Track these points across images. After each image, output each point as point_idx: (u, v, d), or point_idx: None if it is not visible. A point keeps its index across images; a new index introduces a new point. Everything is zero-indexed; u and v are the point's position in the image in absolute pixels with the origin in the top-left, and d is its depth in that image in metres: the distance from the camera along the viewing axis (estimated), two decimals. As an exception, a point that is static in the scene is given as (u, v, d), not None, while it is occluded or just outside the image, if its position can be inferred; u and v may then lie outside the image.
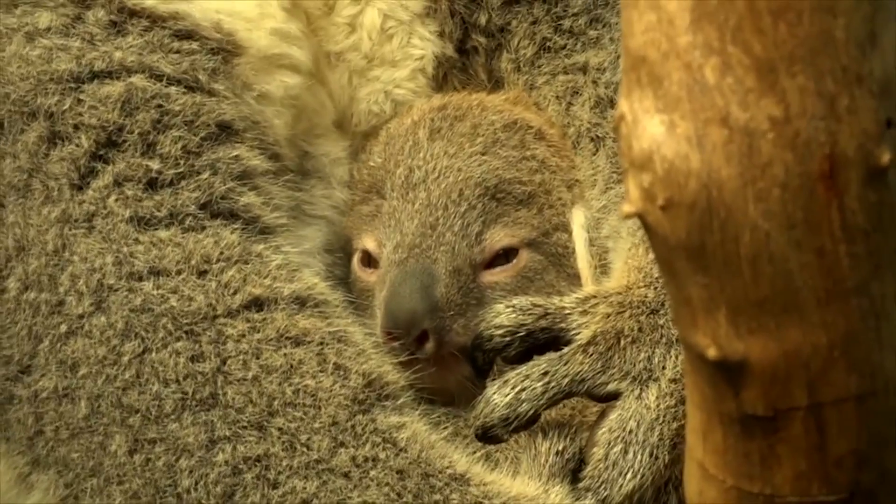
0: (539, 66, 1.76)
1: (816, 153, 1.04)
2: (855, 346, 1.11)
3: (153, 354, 1.46)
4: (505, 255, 1.63)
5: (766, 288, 1.08)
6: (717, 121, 1.05)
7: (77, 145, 1.53)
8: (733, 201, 1.06)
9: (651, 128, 1.07)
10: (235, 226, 1.54)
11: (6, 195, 1.54)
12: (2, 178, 1.55)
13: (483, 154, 1.64)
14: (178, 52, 1.59)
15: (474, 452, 1.53)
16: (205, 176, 1.55)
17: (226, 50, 1.62)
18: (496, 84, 1.81)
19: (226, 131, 1.58)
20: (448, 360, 1.60)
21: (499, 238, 1.62)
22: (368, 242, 1.63)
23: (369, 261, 1.64)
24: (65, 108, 1.54)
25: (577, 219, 1.62)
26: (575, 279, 1.64)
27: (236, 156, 1.58)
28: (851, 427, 1.13)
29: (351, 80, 1.73)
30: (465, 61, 1.78)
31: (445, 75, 1.79)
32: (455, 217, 1.61)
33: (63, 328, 1.49)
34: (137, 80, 1.56)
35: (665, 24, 1.06)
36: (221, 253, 1.51)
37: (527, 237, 1.63)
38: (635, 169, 1.07)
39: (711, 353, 1.11)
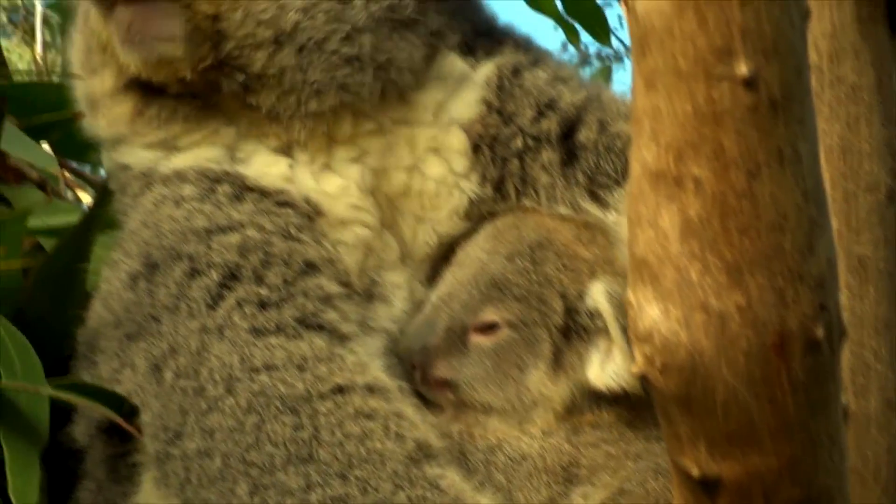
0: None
1: (770, 331, 1.30)
2: (797, 467, 1.35)
3: (267, 425, 1.77)
4: (490, 327, 1.96)
5: (733, 426, 1.33)
6: (699, 308, 1.30)
7: (209, 278, 1.86)
8: (711, 365, 1.31)
9: (651, 312, 1.32)
10: (322, 335, 1.85)
11: (162, 313, 1.85)
12: (159, 301, 1.86)
13: (506, 258, 1.97)
14: (277, 214, 1.91)
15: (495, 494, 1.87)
16: (299, 300, 1.86)
17: (310, 214, 1.93)
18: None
19: (311, 267, 1.89)
20: (435, 385, 1.96)
21: (488, 315, 1.95)
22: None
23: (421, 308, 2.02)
24: (200, 252, 1.87)
25: (597, 288, 1.92)
26: (539, 361, 2.00)
27: (319, 285, 1.88)
28: (794, 523, 1.40)
29: (415, 225, 2.02)
30: (499, 194, 2.04)
31: (477, 209, 2.05)
32: (465, 293, 1.96)
33: (204, 406, 1.79)
34: (249, 231, 1.88)
35: (661, 238, 1.31)
36: (314, 354, 1.82)
37: (508, 319, 1.95)
38: (640, 342, 1.34)
39: (695, 472, 1.37)
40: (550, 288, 1.95)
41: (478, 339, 1.96)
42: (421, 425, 1.85)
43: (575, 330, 1.95)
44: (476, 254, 2.00)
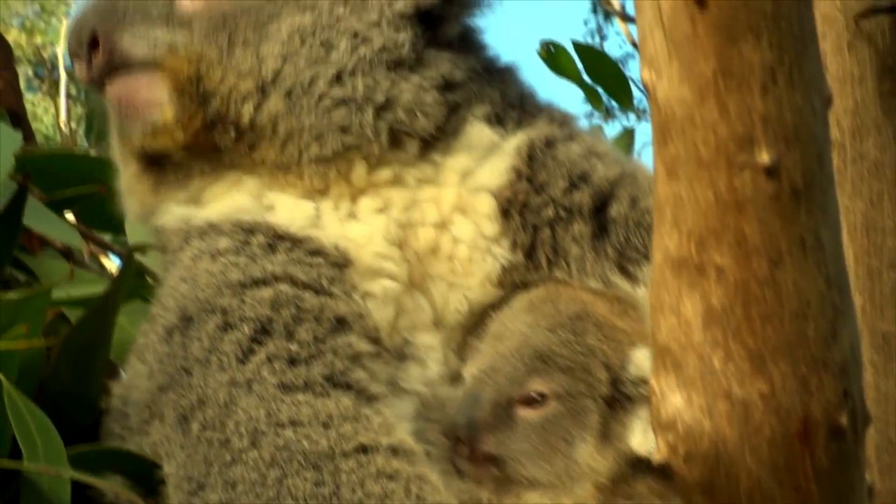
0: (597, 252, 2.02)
1: (794, 418, 1.31)
2: (823, 556, 1.36)
3: (289, 480, 1.78)
4: (537, 399, 1.92)
5: (758, 514, 1.34)
6: (722, 396, 1.32)
7: (241, 332, 1.86)
8: (734, 453, 1.32)
9: (674, 400, 1.34)
10: (350, 394, 1.85)
11: (193, 366, 1.86)
12: (192, 354, 1.87)
13: (548, 329, 1.95)
14: (310, 264, 1.92)
15: None
16: (328, 357, 1.86)
17: (340, 263, 1.94)
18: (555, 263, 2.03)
19: (342, 324, 1.89)
20: (479, 461, 1.92)
21: (535, 386, 1.92)
22: (465, 370, 1.98)
23: (460, 381, 1.98)
24: (233, 306, 1.88)
25: (641, 355, 1.90)
26: (587, 433, 1.99)
27: (349, 342, 1.88)
28: None
29: (447, 291, 2.01)
30: (531, 262, 2.03)
31: (509, 276, 2.03)
32: (509, 366, 1.93)
33: (228, 458, 1.80)
34: (282, 286, 1.89)
35: (683, 326, 1.33)
36: (340, 413, 1.82)
37: (555, 391, 1.92)
38: (663, 429, 1.35)
39: (718, 561, 1.37)
40: (594, 358, 1.94)
41: (524, 413, 1.94)
42: (443, 490, 1.85)
43: (619, 400, 1.94)
44: (516, 326, 1.99)
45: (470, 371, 1.98)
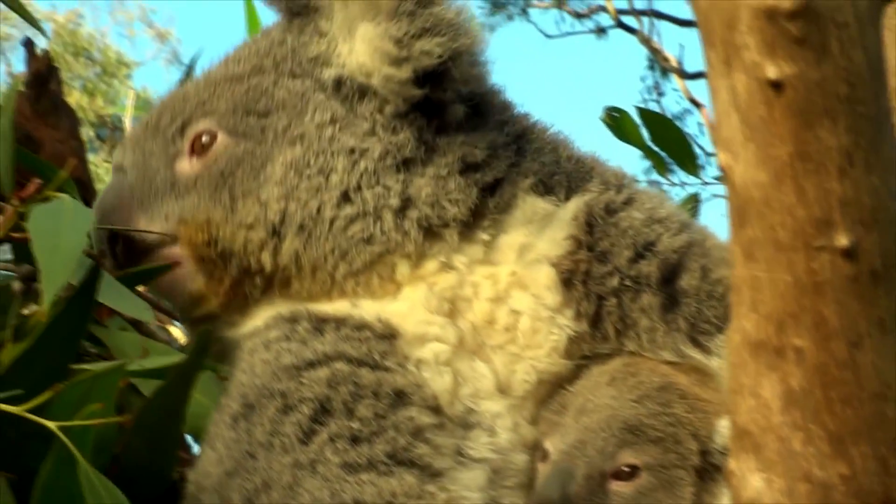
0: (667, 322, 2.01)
1: (874, 500, 1.31)
2: None
3: None
4: (630, 473, 1.92)
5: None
6: (802, 478, 1.31)
7: (301, 413, 1.88)
8: (814, 534, 1.31)
9: (754, 482, 1.33)
10: (413, 471, 1.85)
11: (257, 450, 1.87)
12: (256, 438, 1.89)
13: (634, 401, 1.95)
14: (359, 339, 1.93)
15: None
16: (390, 433, 1.86)
17: (387, 335, 1.94)
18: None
19: (401, 397, 1.89)
20: None
21: (626, 458, 1.92)
22: (547, 444, 1.98)
23: (544, 456, 1.98)
24: (291, 388, 1.91)
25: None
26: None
27: (410, 416, 1.88)
28: None
29: (511, 361, 1.99)
30: (598, 332, 2.01)
31: (577, 347, 2.01)
32: (598, 439, 1.93)
33: None
34: (338, 364, 1.90)
35: (763, 408, 1.32)
36: (404, 491, 1.82)
37: (647, 462, 1.92)
38: (744, 512, 1.34)
39: None
40: (683, 429, 1.94)
41: (617, 486, 1.93)
42: None
43: (708, 471, 1.93)
44: (600, 400, 1.98)
45: (555, 445, 1.96)
